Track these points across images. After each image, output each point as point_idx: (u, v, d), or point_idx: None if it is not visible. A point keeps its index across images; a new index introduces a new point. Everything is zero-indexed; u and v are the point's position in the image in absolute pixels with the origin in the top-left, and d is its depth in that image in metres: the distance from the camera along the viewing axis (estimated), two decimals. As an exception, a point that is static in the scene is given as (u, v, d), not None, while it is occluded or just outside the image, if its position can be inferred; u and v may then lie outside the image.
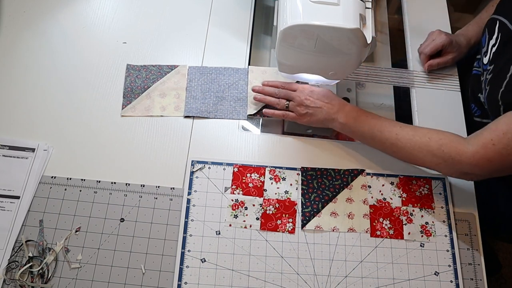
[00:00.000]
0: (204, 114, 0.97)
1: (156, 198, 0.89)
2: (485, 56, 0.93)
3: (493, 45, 0.90)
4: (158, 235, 0.86)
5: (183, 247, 0.85)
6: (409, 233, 0.88)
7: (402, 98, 1.09)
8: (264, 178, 0.91)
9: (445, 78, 1.06)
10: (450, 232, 0.89)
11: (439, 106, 1.02)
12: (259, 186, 0.90)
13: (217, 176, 0.91)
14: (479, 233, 0.90)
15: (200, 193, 0.89)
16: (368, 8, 0.85)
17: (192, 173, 0.90)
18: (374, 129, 0.87)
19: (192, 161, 0.91)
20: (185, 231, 0.86)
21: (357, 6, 0.80)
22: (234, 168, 0.91)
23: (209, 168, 0.91)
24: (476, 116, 0.99)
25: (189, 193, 0.89)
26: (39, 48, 1.03)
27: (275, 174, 0.92)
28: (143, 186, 0.89)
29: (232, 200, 0.89)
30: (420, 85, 1.05)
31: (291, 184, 0.91)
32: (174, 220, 0.87)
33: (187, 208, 0.87)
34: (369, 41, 0.80)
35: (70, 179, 0.89)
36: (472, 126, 0.98)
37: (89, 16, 1.08)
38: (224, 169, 0.91)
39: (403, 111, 1.07)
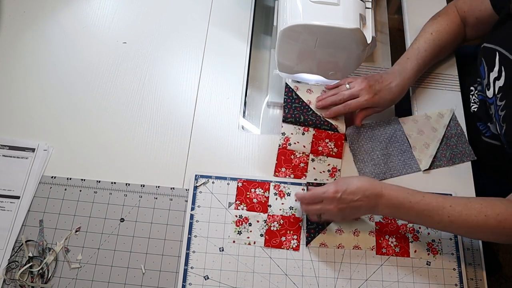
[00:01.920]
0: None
1: (156, 198, 0.89)
2: (488, 90, 0.91)
3: (496, 78, 0.88)
4: (158, 235, 0.86)
5: (186, 263, 0.83)
6: (415, 251, 0.87)
7: (402, 98, 1.09)
8: (269, 193, 0.90)
9: (445, 78, 1.06)
10: (457, 250, 0.87)
11: (439, 106, 1.02)
12: (263, 201, 0.89)
13: (220, 191, 0.90)
14: (479, 233, 0.90)
15: (204, 208, 0.88)
16: (368, 8, 0.85)
17: (195, 187, 0.89)
18: (422, 215, 0.80)
19: (196, 175, 0.90)
20: (188, 248, 0.85)
21: (357, 6, 0.80)
22: (238, 183, 0.90)
23: (213, 182, 0.90)
24: (486, 137, 0.98)
25: (192, 208, 0.88)
26: (39, 48, 1.03)
27: (279, 190, 0.90)
28: (143, 186, 0.89)
29: (236, 216, 0.88)
30: (420, 85, 1.05)
31: (296, 200, 0.89)
32: (174, 220, 0.87)
33: (190, 224, 0.86)
34: (369, 41, 0.80)
35: (70, 179, 0.89)
36: (482, 145, 0.98)
37: (89, 16, 1.08)
38: (228, 183, 0.90)
39: (403, 111, 1.07)
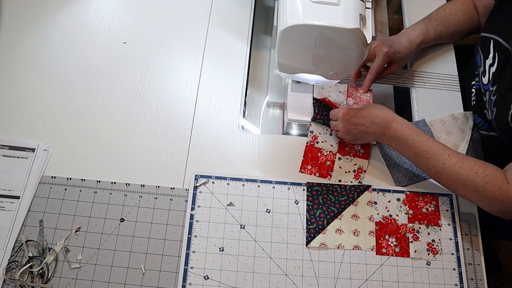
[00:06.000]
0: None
1: (156, 198, 0.89)
2: (484, 76, 0.92)
3: (491, 65, 0.89)
4: (158, 235, 0.86)
5: (186, 263, 0.83)
6: (415, 251, 0.87)
7: (402, 98, 1.09)
8: None
9: (445, 78, 1.06)
10: (457, 250, 0.87)
11: (439, 106, 1.02)
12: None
13: (220, 191, 0.90)
14: (479, 233, 0.90)
15: (204, 208, 0.88)
16: (368, 8, 0.84)
17: (195, 187, 0.89)
18: (420, 155, 0.84)
19: (196, 175, 0.90)
20: (188, 248, 0.85)
21: (357, 6, 0.80)
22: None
23: (213, 182, 0.90)
24: (482, 130, 0.99)
25: (192, 208, 0.88)
26: (39, 48, 1.03)
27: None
28: (143, 186, 0.89)
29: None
30: (420, 85, 1.05)
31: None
32: (174, 220, 0.87)
33: (190, 224, 0.86)
34: (369, 41, 0.80)
35: (70, 179, 0.89)
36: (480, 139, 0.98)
37: (89, 16, 1.08)
38: (228, 183, 0.90)
39: (403, 111, 1.07)
